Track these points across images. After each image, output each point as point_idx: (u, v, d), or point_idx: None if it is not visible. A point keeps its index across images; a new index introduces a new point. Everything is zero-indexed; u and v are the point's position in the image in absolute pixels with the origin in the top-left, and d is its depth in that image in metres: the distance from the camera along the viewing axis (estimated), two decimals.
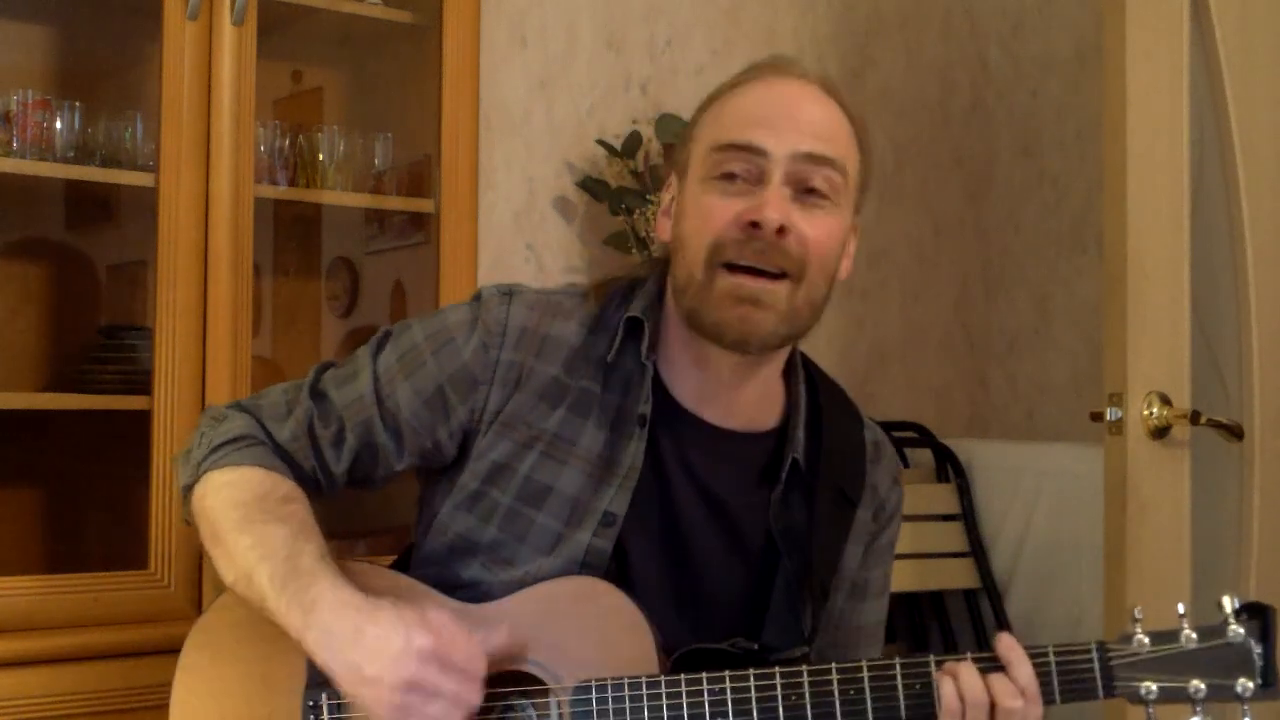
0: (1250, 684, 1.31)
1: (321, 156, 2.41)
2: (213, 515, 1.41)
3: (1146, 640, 1.33)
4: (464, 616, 1.37)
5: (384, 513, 2.29)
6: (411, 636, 1.28)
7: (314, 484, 1.49)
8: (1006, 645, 1.34)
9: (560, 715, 1.36)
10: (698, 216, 1.40)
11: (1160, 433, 2.36)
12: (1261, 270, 2.58)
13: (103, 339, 2.30)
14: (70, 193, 2.33)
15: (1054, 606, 2.99)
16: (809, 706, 1.33)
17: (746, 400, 1.50)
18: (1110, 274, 2.37)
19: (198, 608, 2.11)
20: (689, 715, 1.34)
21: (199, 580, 2.11)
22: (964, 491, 3.22)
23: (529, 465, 1.45)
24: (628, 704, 1.35)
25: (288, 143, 2.39)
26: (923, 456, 3.30)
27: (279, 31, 2.36)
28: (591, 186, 2.87)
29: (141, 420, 2.11)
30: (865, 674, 1.33)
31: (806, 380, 1.55)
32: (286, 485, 1.44)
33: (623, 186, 2.83)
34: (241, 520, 1.39)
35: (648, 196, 2.76)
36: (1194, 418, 2.37)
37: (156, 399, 2.10)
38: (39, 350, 2.35)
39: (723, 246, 1.37)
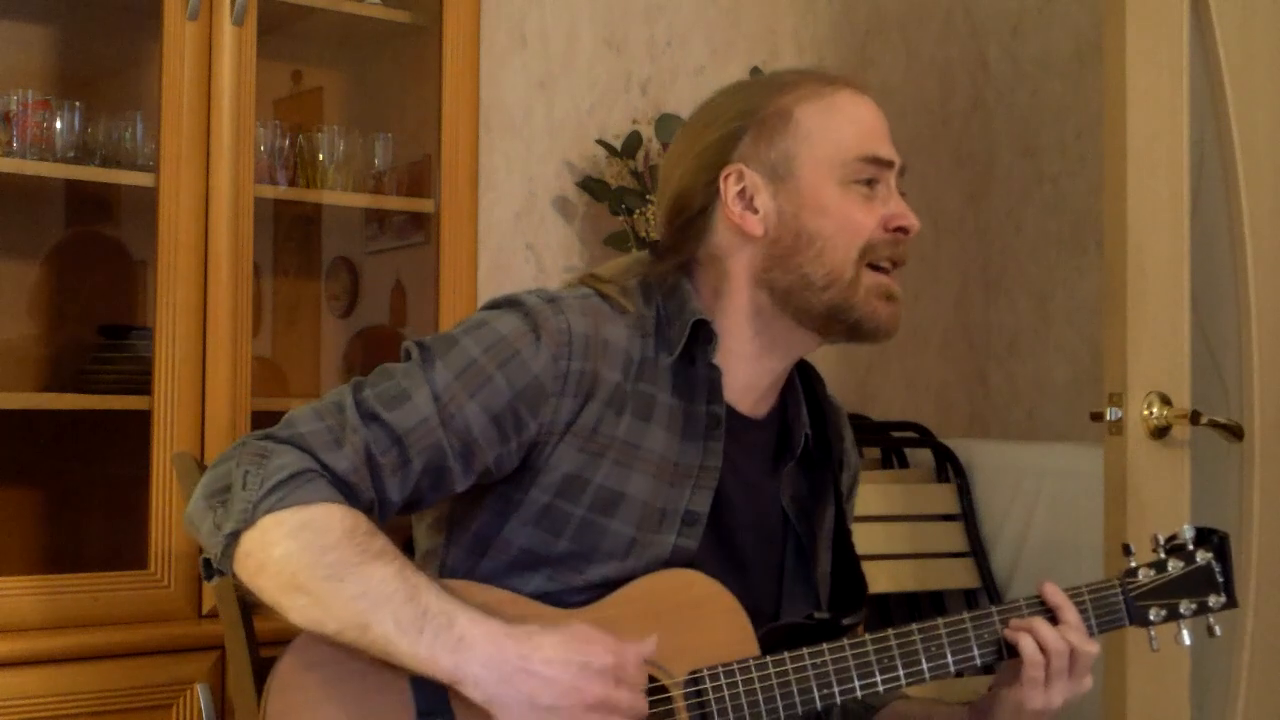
0: (1220, 600, 1.56)
1: (321, 156, 2.41)
2: (290, 564, 1.29)
3: (1151, 571, 1.55)
4: (574, 620, 1.36)
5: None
6: (590, 657, 1.27)
7: (369, 514, 1.37)
8: (1051, 591, 1.50)
9: (677, 708, 1.39)
10: (844, 215, 1.46)
11: (1160, 433, 2.36)
12: (1261, 270, 2.58)
13: (103, 339, 2.30)
14: (70, 193, 2.33)
15: None
16: (899, 667, 1.44)
17: (773, 395, 1.55)
18: (1110, 274, 2.37)
19: (198, 608, 2.11)
20: (798, 690, 1.41)
21: (199, 580, 2.10)
22: (964, 491, 3.22)
23: (602, 475, 1.43)
24: (741, 688, 1.40)
25: (288, 143, 2.39)
26: (923, 456, 3.30)
27: (279, 31, 2.37)
28: (591, 186, 2.87)
29: (141, 420, 2.11)
30: (943, 630, 1.46)
31: None
32: (364, 519, 1.33)
33: (623, 186, 2.83)
34: (336, 566, 1.28)
35: (647, 196, 2.76)
36: (1194, 418, 2.38)
37: (156, 399, 2.10)
38: (39, 350, 2.35)
39: (875, 248, 1.47)
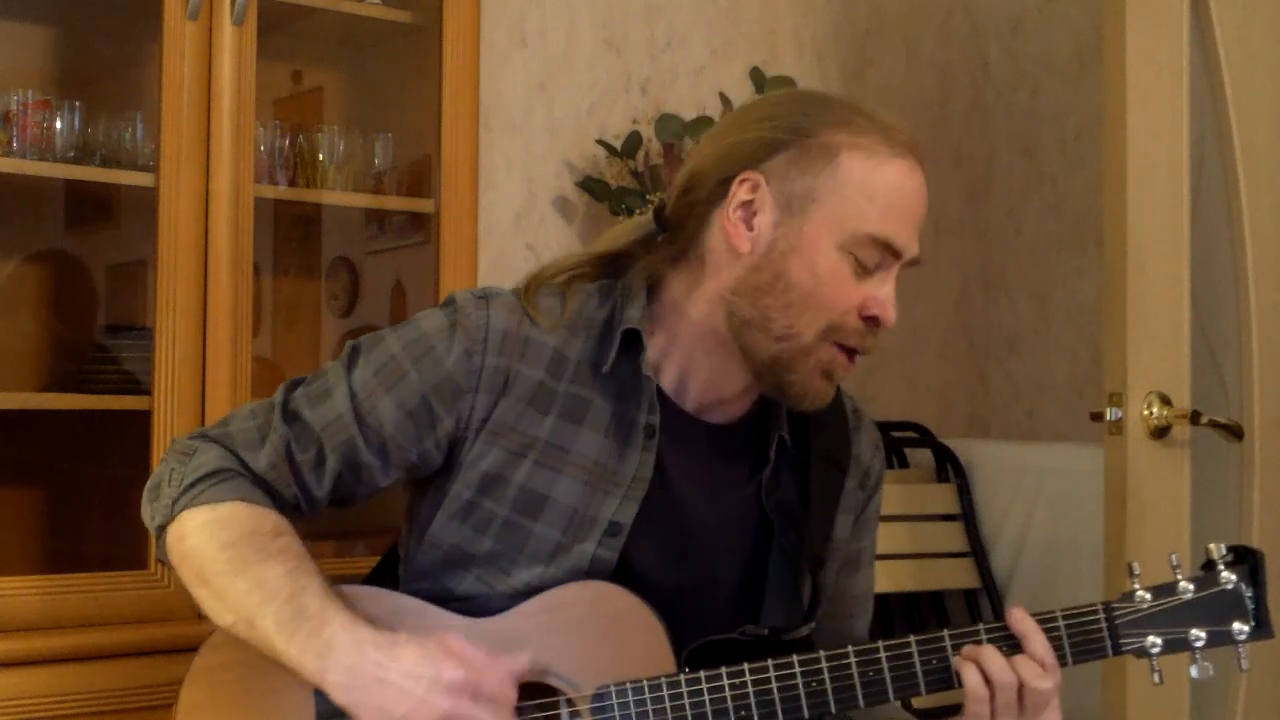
0: (1245, 627, 1.36)
1: (321, 156, 2.41)
2: (197, 557, 1.35)
3: (1148, 595, 1.38)
4: (478, 634, 1.35)
5: (381, 513, 2.29)
6: (441, 671, 1.26)
7: (295, 510, 1.43)
8: (1018, 618, 1.38)
9: None
10: (828, 284, 1.39)
11: (1160, 433, 2.36)
12: (1261, 270, 2.58)
13: (103, 339, 2.30)
14: (70, 193, 2.33)
15: (1054, 606, 2.98)
16: (830, 691, 1.36)
17: (745, 399, 1.50)
18: (1110, 274, 2.37)
19: (198, 608, 2.10)
20: (712, 712, 1.35)
21: None
22: (964, 491, 3.22)
23: (523, 474, 1.42)
24: (649, 706, 1.35)
25: (288, 143, 2.39)
26: (923, 456, 3.30)
27: (279, 31, 2.37)
28: (591, 186, 2.87)
29: (141, 420, 2.11)
30: (883, 654, 1.37)
31: None
32: (273, 518, 1.38)
33: (623, 186, 2.83)
34: (233, 562, 1.33)
35: (647, 196, 2.76)
36: (1194, 418, 2.38)
37: (156, 399, 2.10)
38: (39, 350, 2.35)
39: (842, 330, 1.40)
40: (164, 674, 2.03)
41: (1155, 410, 2.35)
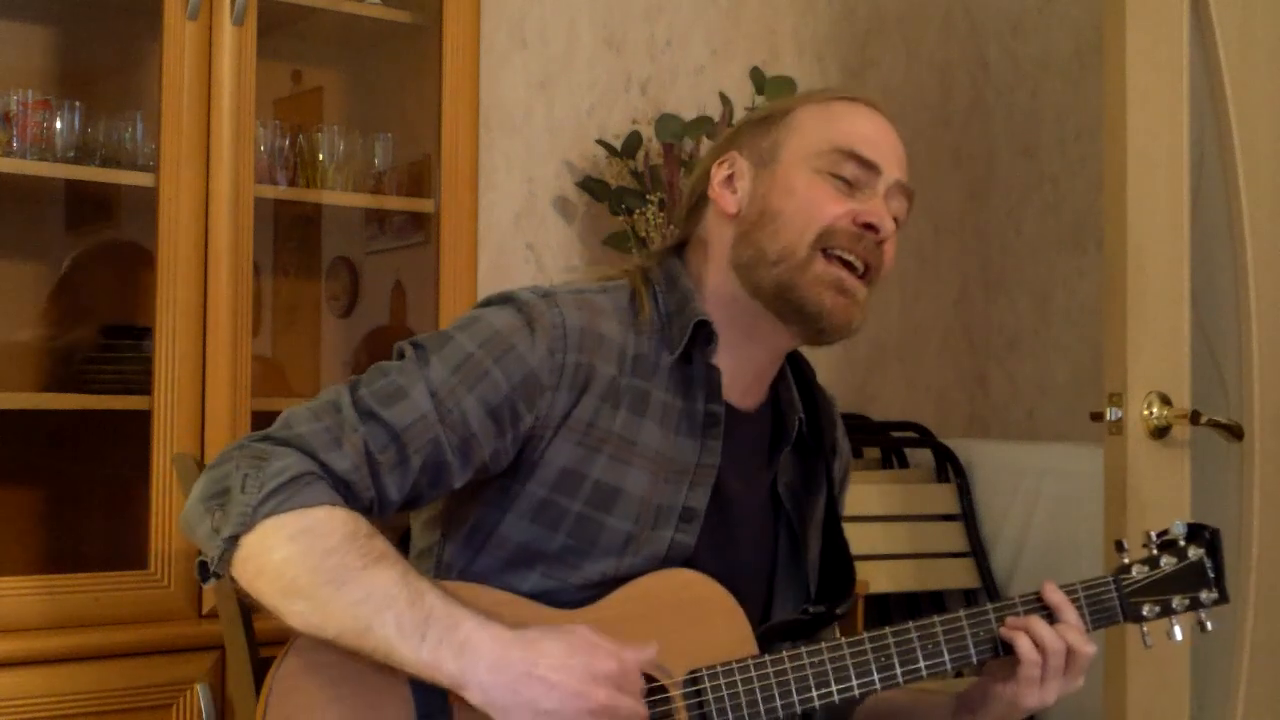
0: (1211, 595, 1.56)
1: (321, 156, 2.41)
2: (289, 569, 1.28)
3: (1145, 569, 1.55)
4: (575, 621, 1.37)
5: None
6: (593, 661, 1.27)
7: (367, 513, 1.37)
8: (1051, 590, 1.50)
9: (676, 708, 1.39)
10: (808, 198, 1.46)
11: (1160, 433, 2.36)
12: (1261, 270, 2.58)
13: (103, 339, 2.30)
14: (70, 193, 2.33)
15: None
16: (898, 666, 1.44)
17: (764, 382, 1.55)
18: (1110, 274, 2.37)
19: (197, 608, 2.11)
20: (797, 688, 1.41)
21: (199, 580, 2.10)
22: (964, 491, 3.22)
23: (599, 469, 1.43)
24: (740, 688, 1.40)
25: (288, 143, 2.39)
26: (923, 456, 3.30)
27: (279, 31, 2.37)
28: (591, 186, 2.87)
29: (141, 420, 2.11)
30: (939, 629, 1.46)
31: None
32: (365, 522, 1.33)
33: (623, 186, 2.83)
34: (337, 570, 1.28)
35: (647, 196, 2.76)
36: (1194, 418, 2.38)
37: (156, 399, 2.10)
38: (39, 350, 2.35)
39: (834, 234, 1.45)
40: (164, 674, 2.04)
41: (1155, 410, 2.35)
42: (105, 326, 2.32)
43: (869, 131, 1.50)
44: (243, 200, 2.18)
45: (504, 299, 1.46)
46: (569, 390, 1.42)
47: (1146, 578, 1.54)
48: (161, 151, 2.12)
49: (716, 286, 1.51)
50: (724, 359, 1.50)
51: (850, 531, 1.64)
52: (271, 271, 2.55)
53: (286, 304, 2.60)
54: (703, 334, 1.48)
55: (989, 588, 3.12)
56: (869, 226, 1.45)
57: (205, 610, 2.11)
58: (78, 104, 2.18)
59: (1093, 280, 3.29)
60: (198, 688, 2.04)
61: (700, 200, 1.55)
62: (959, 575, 3.16)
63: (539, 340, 1.41)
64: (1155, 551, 1.56)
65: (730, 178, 1.52)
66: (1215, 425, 2.43)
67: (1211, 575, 1.56)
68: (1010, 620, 1.47)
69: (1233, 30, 2.55)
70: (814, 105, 1.53)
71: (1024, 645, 1.45)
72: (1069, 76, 3.41)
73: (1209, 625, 1.57)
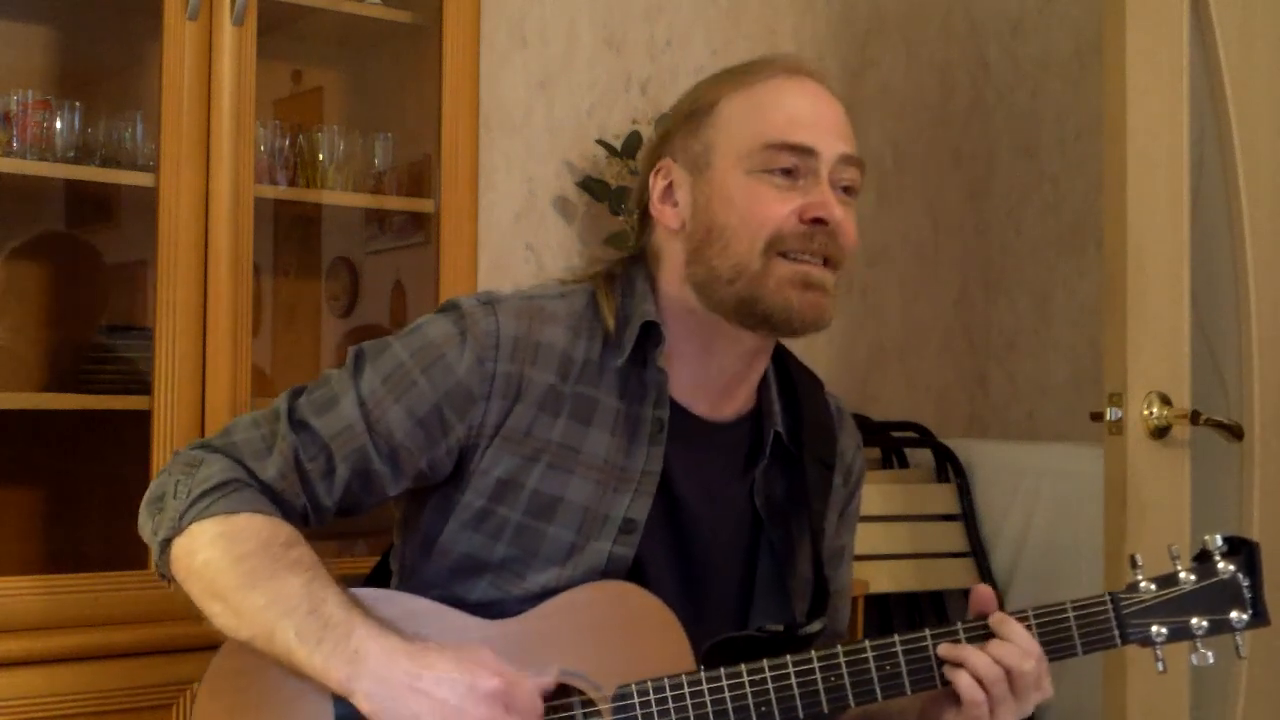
0: (1244, 616, 1.41)
1: (321, 156, 2.41)
2: (209, 572, 1.33)
3: (1152, 586, 1.41)
4: (498, 637, 1.36)
5: (382, 513, 2.29)
6: (476, 679, 1.26)
7: (303, 520, 1.41)
8: (998, 620, 1.39)
9: None
10: (747, 206, 1.40)
11: (1160, 433, 2.36)
12: (1261, 270, 2.58)
13: (103, 339, 2.30)
14: (70, 193, 2.33)
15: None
16: (849, 685, 1.37)
17: (742, 391, 1.50)
18: (1110, 274, 2.37)
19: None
20: (733, 709, 1.36)
21: None
22: (964, 491, 3.22)
23: (536, 478, 1.41)
24: (671, 704, 1.35)
25: (288, 143, 2.39)
26: (923, 456, 3.30)
27: (279, 31, 2.37)
28: (591, 186, 2.87)
29: (141, 420, 2.11)
30: (899, 647, 1.38)
31: (774, 353, 1.55)
32: (285, 529, 1.36)
33: (623, 186, 2.83)
34: (249, 575, 1.31)
35: None
36: (1194, 418, 2.38)
37: (156, 399, 2.10)
38: (39, 350, 2.35)
39: (783, 239, 1.39)
40: (164, 674, 2.04)
41: (1155, 410, 2.35)
42: (105, 326, 2.32)
43: (799, 110, 1.42)
44: (243, 200, 2.18)
45: (450, 306, 1.45)
46: (501, 399, 1.41)
47: (1155, 597, 1.41)
48: (161, 151, 2.11)
49: (674, 299, 1.46)
50: (687, 369, 1.46)
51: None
52: (271, 271, 2.55)
53: (286, 304, 2.60)
54: (652, 336, 1.44)
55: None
56: (817, 220, 1.39)
57: (215, 654, 2.10)
58: (78, 104, 2.18)
59: (1093, 280, 3.29)
60: (197, 688, 2.04)
61: (645, 212, 1.50)
62: (959, 575, 3.16)
63: (469, 350, 1.40)
64: (1176, 567, 1.42)
65: (669, 188, 1.46)
66: (1215, 425, 2.43)
67: (1248, 595, 1.41)
68: (944, 651, 1.38)
69: (1233, 30, 2.55)
70: (737, 95, 1.44)
71: (964, 684, 1.36)
72: (1069, 76, 3.41)
73: (1243, 651, 1.42)
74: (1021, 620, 1.39)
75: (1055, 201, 3.45)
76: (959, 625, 1.40)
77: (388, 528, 2.08)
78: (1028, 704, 1.38)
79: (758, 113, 1.42)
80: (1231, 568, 1.42)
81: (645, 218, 1.51)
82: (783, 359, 1.56)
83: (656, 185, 1.47)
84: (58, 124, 2.17)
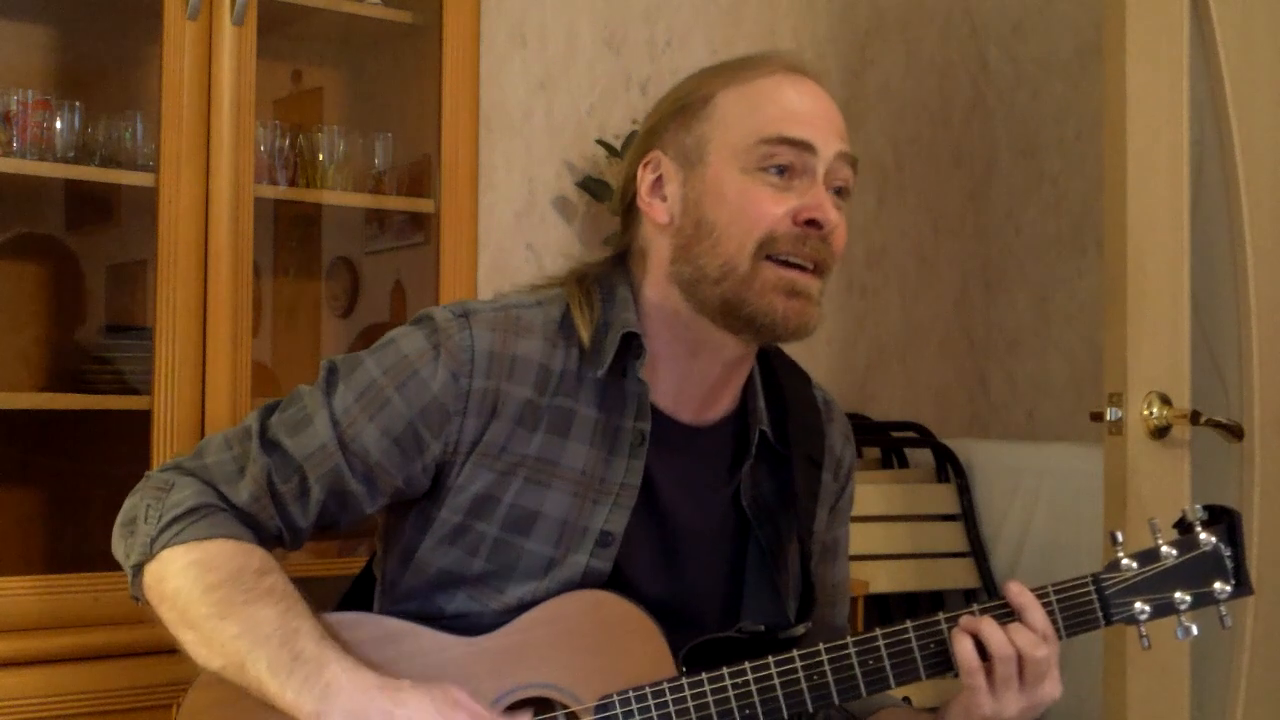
0: (1226, 587, 1.39)
1: (321, 156, 2.41)
2: (180, 600, 1.31)
3: (1134, 564, 1.39)
4: (476, 652, 1.35)
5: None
6: (450, 716, 1.25)
7: (278, 542, 1.39)
8: (1015, 591, 1.38)
9: None
10: (741, 204, 1.36)
11: (1160, 433, 2.36)
12: (1261, 270, 2.58)
13: (103, 339, 2.30)
14: (70, 193, 2.33)
15: None
16: (832, 683, 1.35)
17: (726, 394, 1.47)
18: (1110, 274, 2.37)
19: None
20: (716, 712, 1.34)
21: None
22: (964, 491, 3.22)
23: (513, 493, 1.39)
24: (654, 711, 1.34)
25: (288, 143, 2.39)
26: (923, 456, 3.30)
27: (279, 31, 2.37)
28: (591, 186, 2.87)
29: (141, 420, 2.11)
30: (881, 642, 1.36)
31: (758, 351, 1.52)
32: (258, 555, 1.34)
33: None
34: (220, 605, 1.29)
35: None
36: (1194, 418, 2.38)
37: (156, 399, 2.10)
38: (39, 350, 2.35)
39: (775, 240, 1.36)
40: (164, 674, 2.03)
41: (1155, 410, 2.35)
42: (105, 326, 2.32)
43: (797, 106, 1.39)
44: (243, 200, 2.18)
45: (423, 319, 1.42)
46: (476, 416, 1.38)
47: (1137, 574, 1.39)
48: (161, 151, 2.12)
49: (657, 301, 1.42)
50: (669, 375, 1.43)
51: (851, 531, 1.61)
52: (271, 271, 2.55)
53: (286, 304, 2.60)
54: (632, 347, 1.41)
55: (989, 588, 3.12)
56: (812, 223, 1.36)
57: (189, 689, 2.10)
58: (78, 104, 2.18)
59: (1093, 280, 3.29)
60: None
61: (631, 206, 1.45)
62: (959, 575, 3.16)
63: (443, 366, 1.37)
64: (1159, 542, 1.40)
65: (658, 181, 1.42)
66: (1215, 425, 2.42)
67: (1230, 564, 1.39)
68: (963, 621, 1.36)
69: (1233, 30, 2.54)
70: (734, 89, 1.40)
71: (963, 650, 1.34)
72: (1069, 76, 3.41)
73: (1228, 621, 1.41)
74: (999, 608, 1.37)
75: (1055, 201, 3.45)
76: (975, 606, 1.38)
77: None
78: (1036, 697, 1.35)
79: (755, 108, 1.39)
80: (1213, 539, 1.40)
81: (630, 213, 1.46)
82: (767, 355, 1.53)
83: (645, 178, 1.42)
84: (58, 124, 2.17)
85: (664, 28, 3.09)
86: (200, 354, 2.13)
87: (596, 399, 1.41)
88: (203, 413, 2.13)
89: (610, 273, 1.46)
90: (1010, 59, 3.57)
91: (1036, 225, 3.49)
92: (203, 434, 2.12)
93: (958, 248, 3.58)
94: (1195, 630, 1.40)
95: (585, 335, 1.41)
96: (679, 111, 1.42)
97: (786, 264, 1.36)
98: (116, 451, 2.23)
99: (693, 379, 1.44)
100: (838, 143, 1.39)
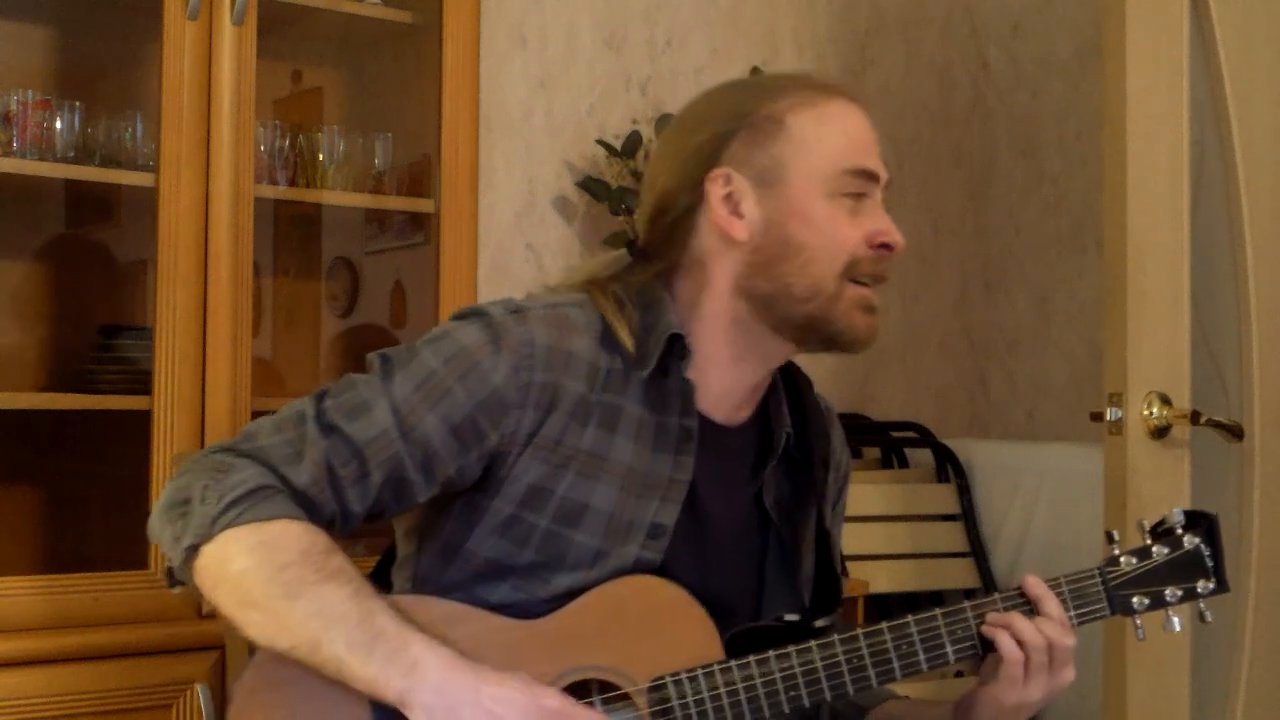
0: (1209, 584, 1.52)
1: (321, 156, 2.41)
2: (246, 580, 1.31)
3: (1132, 559, 1.52)
4: (532, 635, 1.37)
5: None
6: (538, 696, 1.28)
7: (330, 526, 1.39)
8: (1032, 584, 1.48)
9: (641, 716, 1.37)
10: (829, 229, 1.45)
11: (1160, 433, 2.36)
12: (1261, 270, 2.58)
13: (103, 339, 2.30)
14: (70, 193, 2.33)
15: None
16: (870, 666, 1.43)
17: (756, 397, 1.53)
18: (1110, 274, 2.37)
19: (198, 608, 2.11)
20: (764, 693, 1.39)
21: None
22: (964, 491, 3.22)
23: (565, 486, 1.42)
24: (706, 693, 1.38)
25: (288, 143, 2.39)
26: (923, 456, 3.30)
27: (279, 31, 2.37)
28: (591, 186, 2.87)
29: (141, 420, 2.11)
30: (914, 629, 1.45)
31: None
32: (322, 537, 1.34)
33: (623, 186, 2.83)
34: (292, 584, 1.29)
35: None
36: (1194, 418, 2.38)
37: (156, 399, 2.10)
38: (39, 350, 2.35)
39: (858, 263, 1.45)
40: (164, 674, 2.04)
41: (1155, 410, 2.35)
42: (105, 326, 2.32)
43: (862, 136, 1.50)
44: (243, 200, 2.18)
45: (475, 313, 1.44)
46: (535, 409, 1.40)
47: (1135, 569, 1.51)
48: (161, 151, 2.12)
49: (716, 311, 1.47)
50: (714, 377, 1.48)
51: (850, 531, 1.63)
52: (271, 271, 2.55)
53: (286, 304, 2.60)
54: (676, 348, 1.45)
55: (989, 588, 3.12)
56: (884, 245, 1.46)
57: (205, 610, 2.11)
58: (78, 104, 2.18)
59: (1093, 280, 3.29)
60: (198, 688, 2.04)
61: (687, 218, 1.48)
62: (959, 575, 3.16)
63: (504, 358, 1.40)
64: (1148, 541, 1.52)
65: (730, 197, 1.45)
66: (1215, 425, 2.43)
67: (1210, 564, 1.52)
68: (991, 617, 1.45)
69: (1233, 30, 2.55)
70: (804, 113, 1.47)
71: (1006, 643, 1.43)
72: (1069, 76, 3.41)
73: (1208, 616, 1.53)
74: (1018, 599, 1.47)
75: (1055, 201, 3.45)
76: (996, 595, 1.47)
77: (386, 529, 2.08)
78: (1058, 682, 1.44)
79: (833, 135, 1.47)
80: (1196, 540, 1.52)
81: (678, 225, 1.48)
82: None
83: (716, 193, 1.46)
84: (58, 124, 2.17)
85: (664, 28, 3.10)
86: (200, 354, 2.13)
87: (642, 397, 1.45)
88: (203, 413, 2.13)
89: (646, 289, 1.49)
90: (1010, 59, 3.57)
91: (1036, 225, 3.49)
92: (203, 434, 2.12)
93: (958, 248, 3.58)
94: (1178, 625, 1.52)
95: (626, 337, 1.45)
96: (744, 130, 1.47)
97: (862, 283, 1.46)
98: (116, 451, 2.23)
99: (736, 382, 1.50)
100: (885, 169, 1.51)
